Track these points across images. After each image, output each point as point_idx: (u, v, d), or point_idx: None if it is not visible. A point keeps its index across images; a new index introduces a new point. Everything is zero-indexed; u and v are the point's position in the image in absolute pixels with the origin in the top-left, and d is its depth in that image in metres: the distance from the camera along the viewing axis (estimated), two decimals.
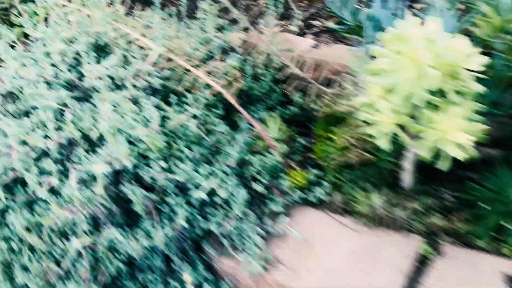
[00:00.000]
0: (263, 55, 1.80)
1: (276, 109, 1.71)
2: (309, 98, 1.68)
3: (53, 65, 1.50)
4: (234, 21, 1.86)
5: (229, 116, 1.61)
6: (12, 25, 2.31)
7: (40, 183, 1.29)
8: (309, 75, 1.70)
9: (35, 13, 1.93)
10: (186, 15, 1.89)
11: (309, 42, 1.92)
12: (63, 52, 1.52)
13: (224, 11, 2.15)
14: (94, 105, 1.40)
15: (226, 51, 1.76)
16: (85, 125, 1.34)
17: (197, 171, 1.32)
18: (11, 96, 1.52)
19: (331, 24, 2.25)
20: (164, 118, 1.37)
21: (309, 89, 1.69)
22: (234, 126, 1.55)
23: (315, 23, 2.25)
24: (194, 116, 1.42)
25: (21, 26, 2.27)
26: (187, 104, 1.45)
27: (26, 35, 2.23)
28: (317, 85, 1.64)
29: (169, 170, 1.31)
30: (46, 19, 1.72)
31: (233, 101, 1.46)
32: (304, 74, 1.70)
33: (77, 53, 1.52)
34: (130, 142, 1.30)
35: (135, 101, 1.39)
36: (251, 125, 1.50)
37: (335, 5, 1.87)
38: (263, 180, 1.41)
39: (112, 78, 1.42)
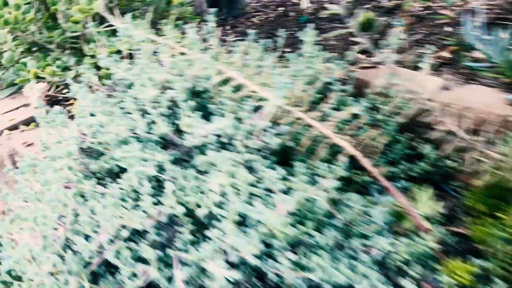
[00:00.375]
0: (382, 97, 1.49)
1: (401, 164, 1.40)
2: (448, 153, 1.35)
3: (143, 115, 1.24)
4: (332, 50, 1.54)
5: (353, 178, 1.30)
6: (83, 55, 2.10)
7: (134, 274, 1.02)
8: (447, 125, 1.36)
9: (112, 45, 1.69)
10: (284, 47, 1.61)
11: (436, 81, 1.58)
12: (155, 99, 1.25)
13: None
14: (199, 171, 1.11)
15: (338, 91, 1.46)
16: (190, 199, 1.06)
17: (334, 266, 1.01)
18: (93, 152, 1.27)
19: (445, 54, 1.91)
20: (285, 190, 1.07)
21: (446, 142, 1.36)
22: (362, 193, 1.23)
23: (429, 53, 1.90)
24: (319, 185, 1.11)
25: (93, 56, 2.06)
26: (310, 169, 1.15)
27: (97, 67, 2.01)
28: (467, 140, 1.30)
29: (298, 264, 1.00)
30: (130, 56, 1.47)
31: (372, 168, 1.14)
32: (440, 123, 1.36)
33: (172, 101, 1.25)
34: (247, 225, 1.01)
35: (249, 168, 1.09)
36: (384, 190, 1.18)
37: (474, 37, 1.53)
38: (412, 273, 1.08)
39: (218, 136, 1.14)
